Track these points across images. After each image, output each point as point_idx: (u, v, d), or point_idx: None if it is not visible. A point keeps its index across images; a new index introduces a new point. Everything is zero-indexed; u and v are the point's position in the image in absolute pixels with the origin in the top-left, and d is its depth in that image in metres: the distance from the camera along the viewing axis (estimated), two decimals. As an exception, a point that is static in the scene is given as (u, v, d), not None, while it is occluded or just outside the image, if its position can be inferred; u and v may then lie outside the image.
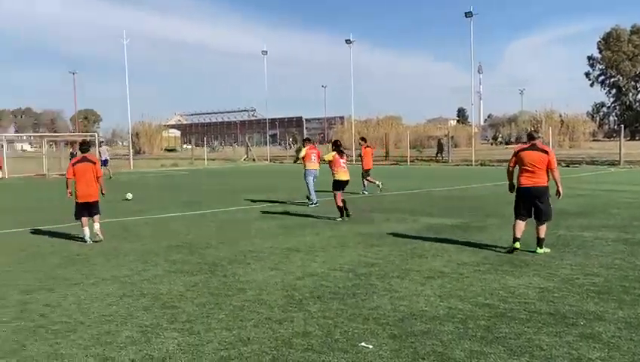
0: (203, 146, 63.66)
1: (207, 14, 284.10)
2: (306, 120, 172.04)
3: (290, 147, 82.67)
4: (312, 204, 16.76)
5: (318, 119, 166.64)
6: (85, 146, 12.21)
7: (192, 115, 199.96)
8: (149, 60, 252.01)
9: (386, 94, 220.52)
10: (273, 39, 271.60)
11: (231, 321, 6.22)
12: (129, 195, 19.70)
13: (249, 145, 60.58)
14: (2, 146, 39.07)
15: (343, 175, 14.26)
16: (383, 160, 49.20)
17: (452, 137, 53.20)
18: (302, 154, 17.55)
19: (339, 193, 13.97)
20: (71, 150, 40.71)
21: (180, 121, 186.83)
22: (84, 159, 11.78)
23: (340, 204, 13.86)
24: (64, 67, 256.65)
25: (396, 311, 6.47)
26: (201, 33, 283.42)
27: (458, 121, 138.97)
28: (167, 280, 8.13)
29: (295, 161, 21.72)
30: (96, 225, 11.59)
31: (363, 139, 22.79)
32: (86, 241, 11.25)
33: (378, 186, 20.45)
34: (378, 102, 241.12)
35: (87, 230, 11.45)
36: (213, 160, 56.95)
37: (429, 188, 22.22)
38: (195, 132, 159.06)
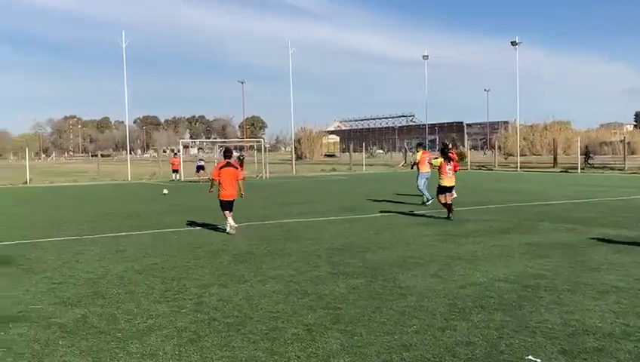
0: (361, 152, 64.54)
1: (367, 22, 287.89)
2: (467, 125, 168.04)
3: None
4: (427, 202, 18.48)
5: (480, 124, 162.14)
6: (228, 153, 14.15)
7: (351, 120, 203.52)
8: (311, 68, 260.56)
9: (554, 98, 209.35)
10: (434, 43, 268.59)
11: (392, 326, 6.26)
12: (165, 191, 21.89)
13: (407, 150, 60.37)
14: (179, 151, 42.46)
15: (447, 181, 15.14)
16: (550, 167, 46.78)
17: (628, 143, 49.23)
18: (417, 158, 19.14)
19: (441, 195, 15.11)
20: (238, 155, 43.30)
21: (339, 127, 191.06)
22: (228, 164, 13.59)
23: (443, 201, 15.04)
24: (234, 77, 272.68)
25: (566, 326, 6.14)
26: (361, 40, 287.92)
27: (635, 125, 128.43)
28: (329, 281, 8.37)
29: (412, 167, 23.06)
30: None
31: (420, 144, 23.80)
32: (226, 230, 13.13)
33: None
34: (545, 106, 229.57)
35: (230, 220, 13.21)
36: (372, 165, 57.57)
37: (601, 198, 20.76)
38: (354, 137, 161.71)
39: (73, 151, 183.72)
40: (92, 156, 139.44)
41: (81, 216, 17.54)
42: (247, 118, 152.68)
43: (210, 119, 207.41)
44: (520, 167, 45.97)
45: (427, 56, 58.09)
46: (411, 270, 9.05)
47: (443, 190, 15.05)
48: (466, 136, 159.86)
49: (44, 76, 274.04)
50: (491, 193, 23.61)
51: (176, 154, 42.38)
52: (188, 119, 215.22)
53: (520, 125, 65.35)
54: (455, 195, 19.18)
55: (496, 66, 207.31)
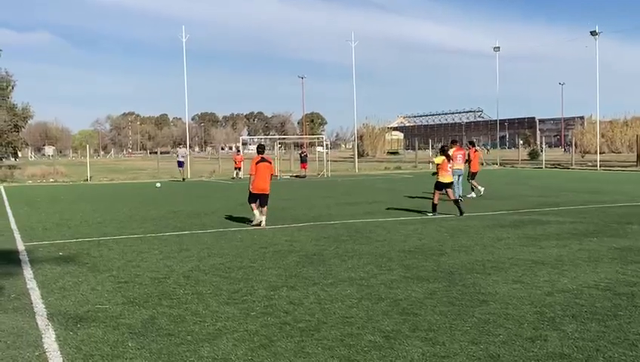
0: (426, 149, 63.77)
1: (434, 12, 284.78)
2: (540, 120, 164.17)
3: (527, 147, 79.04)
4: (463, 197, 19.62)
5: (554, 119, 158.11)
6: (261, 149, 15.19)
7: (415, 116, 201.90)
8: (372, 61, 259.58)
9: (634, 92, 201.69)
10: (505, 34, 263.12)
11: (477, 335, 6.05)
12: (158, 184, 23.53)
13: (485, 148, 59.28)
14: (240, 148, 42.96)
15: (446, 178, 16.20)
16: (633, 165, 45.07)
17: None
18: (450, 153, 19.89)
19: (438, 192, 16.09)
20: (299, 152, 43.49)
21: (402, 123, 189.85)
22: (262, 159, 14.62)
23: (437, 201, 16.03)
24: (293, 72, 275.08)
25: (672, 340, 5.79)
26: (427, 32, 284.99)
27: None
28: (404, 285, 8.20)
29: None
30: (264, 217, 14.42)
31: (471, 143, 25.05)
32: (252, 222, 14.42)
33: (479, 192, 21.59)
34: (624, 101, 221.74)
35: (257, 212, 14.38)
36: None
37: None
38: (418, 134, 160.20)
39: (131, 148, 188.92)
40: (150, 153, 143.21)
41: (143, 214, 17.90)
42: (306, 115, 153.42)
43: (269, 115, 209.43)
44: (600, 166, 44.45)
45: (498, 47, 57.00)
46: (491, 275, 8.78)
47: (441, 185, 16.16)
48: (538, 132, 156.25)
49: (104, 72, 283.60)
50: (571, 193, 22.86)
51: (239, 151, 42.97)
52: (246, 115, 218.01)
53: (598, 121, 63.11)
54: (474, 195, 21.35)
55: (571, 58, 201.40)
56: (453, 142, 21.29)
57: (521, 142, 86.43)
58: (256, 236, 12.97)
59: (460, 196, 19.23)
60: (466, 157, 21.66)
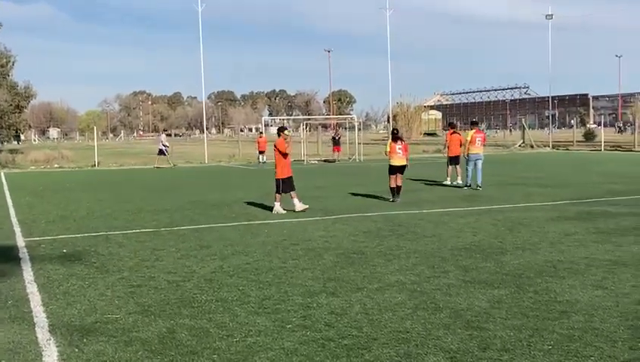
0: (466, 130, 62.72)
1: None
2: (593, 97, 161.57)
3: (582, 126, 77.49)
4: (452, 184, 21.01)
5: (609, 96, 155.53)
6: (280, 131, 15.64)
7: (453, 94, 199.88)
8: (407, 33, 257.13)
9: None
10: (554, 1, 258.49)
11: (562, 355, 5.47)
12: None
13: (525, 128, 58.09)
14: (263, 130, 42.51)
15: (396, 160, 16.99)
16: None
17: None
18: (468, 137, 20.54)
19: (392, 176, 16.93)
20: (333, 134, 42.94)
21: (439, 101, 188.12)
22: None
23: (393, 185, 16.88)
24: (319, 46, 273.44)
25: None
26: (468, 1, 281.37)
27: None
28: (464, 291, 7.63)
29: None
30: (295, 201, 15.00)
31: (451, 124, 25.22)
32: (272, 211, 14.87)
33: (456, 180, 21.41)
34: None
35: (278, 205, 14.95)
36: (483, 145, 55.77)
37: None
38: (457, 113, 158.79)
39: (143, 130, 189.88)
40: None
41: (156, 204, 17.53)
42: (333, 93, 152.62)
43: (292, 94, 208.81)
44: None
45: (551, 15, 55.32)
46: (566, 278, 8.17)
47: (392, 169, 16.94)
48: (591, 110, 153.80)
49: (111, 48, 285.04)
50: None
51: (261, 133, 42.56)
52: (267, 94, 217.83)
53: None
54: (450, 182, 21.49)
55: (633, 28, 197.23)
56: (473, 124, 21.73)
57: (576, 120, 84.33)
58: (286, 230, 12.46)
59: (478, 185, 19.71)
60: (479, 140, 20.96)
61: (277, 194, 15.09)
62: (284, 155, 15.09)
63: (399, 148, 17.15)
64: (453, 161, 21.76)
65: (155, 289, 8.03)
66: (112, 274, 8.92)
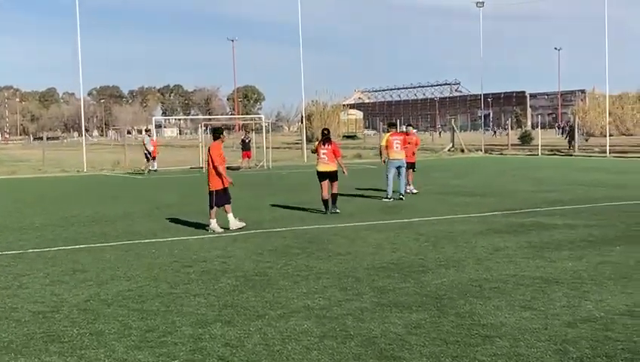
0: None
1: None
2: (531, 95, 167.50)
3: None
4: (386, 198, 19.81)
5: (548, 94, 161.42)
6: (217, 133, 15.23)
7: (376, 91, 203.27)
8: (325, 22, 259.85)
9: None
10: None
11: (483, 386, 5.70)
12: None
13: (455, 130, 59.68)
14: (152, 131, 42.02)
15: (321, 166, 17.37)
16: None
17: None
18: (382, 142, 20.74)
19: (322, 184, 17.15)
20: (242, 137, 42.87)
21: (361, 99, 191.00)
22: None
23: (324, 196, 17.12)
24: (223, 34, 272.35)
25: None
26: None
27: None
28: (378, 316, 7.84)
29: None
30: (230, 216, 14.68)
31: (391, 124, 25.03)
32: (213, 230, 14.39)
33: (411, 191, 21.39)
34: (635, 71, 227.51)
35: (214, 223, 14.49)
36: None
37: None
38: (380, 113, 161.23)
39: (9, 133, 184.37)
40: (34, 139, 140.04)
41: (23, 221, 17.16)
42: (238, 89, 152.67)
43: (190, 90, 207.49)
44: (609, 152, 45.22)
45: (482, 2, 57.00)
46: (492, 299, 8.51)
47: (318, 176, 17.30)
48: (529, 109, 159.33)
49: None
50: (579, 188, 22.98)
51: (149, 134, 41.99)
52: (160, 90, 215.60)
53: (603, 95, 64.51)
54: (415, 191, 21.56)
55: (573, 18, 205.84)
56: (391, 125, 22.18)
57: (511, 120, 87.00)
58: (177, 251, 12.45)
59: (401, 194, 19.95)
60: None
61: (211, 210, 14.65)
62: (221, 162, 14.71)
63: (324, 153, 17.39)
64: (409, 166, 21.56)
65: (17, 323, 7.90)
66: (-35, 306, 8.69)
